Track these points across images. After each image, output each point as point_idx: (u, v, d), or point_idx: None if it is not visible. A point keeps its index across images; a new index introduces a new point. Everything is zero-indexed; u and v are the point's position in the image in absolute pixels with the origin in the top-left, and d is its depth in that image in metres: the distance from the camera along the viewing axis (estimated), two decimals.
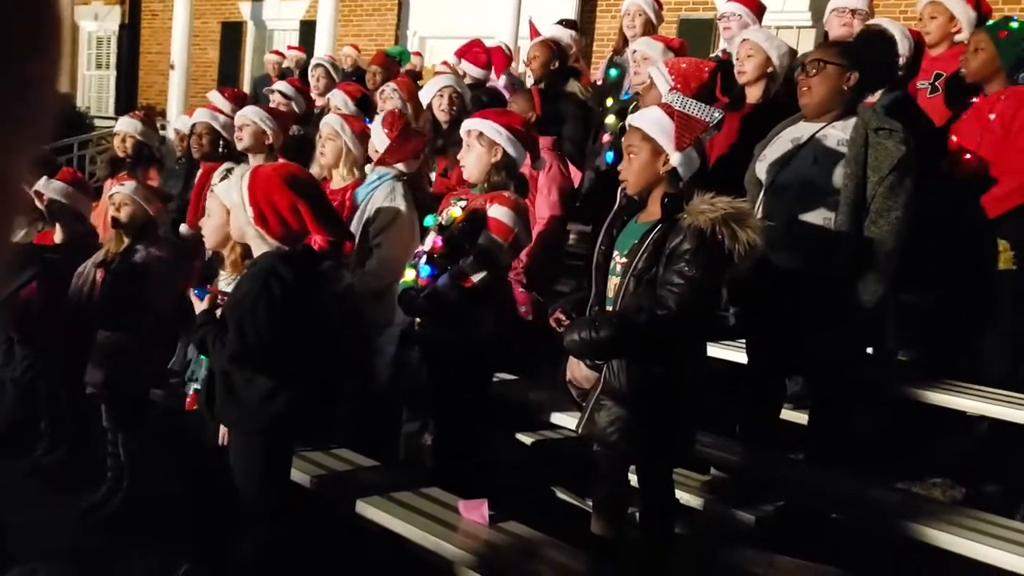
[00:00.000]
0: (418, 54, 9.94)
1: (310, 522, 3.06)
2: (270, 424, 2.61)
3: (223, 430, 2.78)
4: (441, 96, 4.43)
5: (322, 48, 10.28)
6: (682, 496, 2.98)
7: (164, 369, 3.70)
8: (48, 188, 3.93)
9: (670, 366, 2.47)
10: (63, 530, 3.51)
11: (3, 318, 3.64)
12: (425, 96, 4.53)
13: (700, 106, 2.63)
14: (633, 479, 2.69)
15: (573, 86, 4.82)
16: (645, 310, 2.39)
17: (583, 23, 9.91)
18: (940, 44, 3.95)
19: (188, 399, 2.91)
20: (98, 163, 10.63)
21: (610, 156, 4.26)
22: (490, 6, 10.06)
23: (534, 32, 5.11)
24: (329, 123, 3.85)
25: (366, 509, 2.96)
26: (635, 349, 2.46)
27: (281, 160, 3.88)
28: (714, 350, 3.28)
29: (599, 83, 5.24)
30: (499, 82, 5.40)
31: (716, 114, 2.64)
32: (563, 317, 2.68)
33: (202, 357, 2.73)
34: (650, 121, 2.56)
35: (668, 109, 2.58)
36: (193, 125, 4.47)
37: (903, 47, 3.71)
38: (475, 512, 2.85)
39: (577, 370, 2.68)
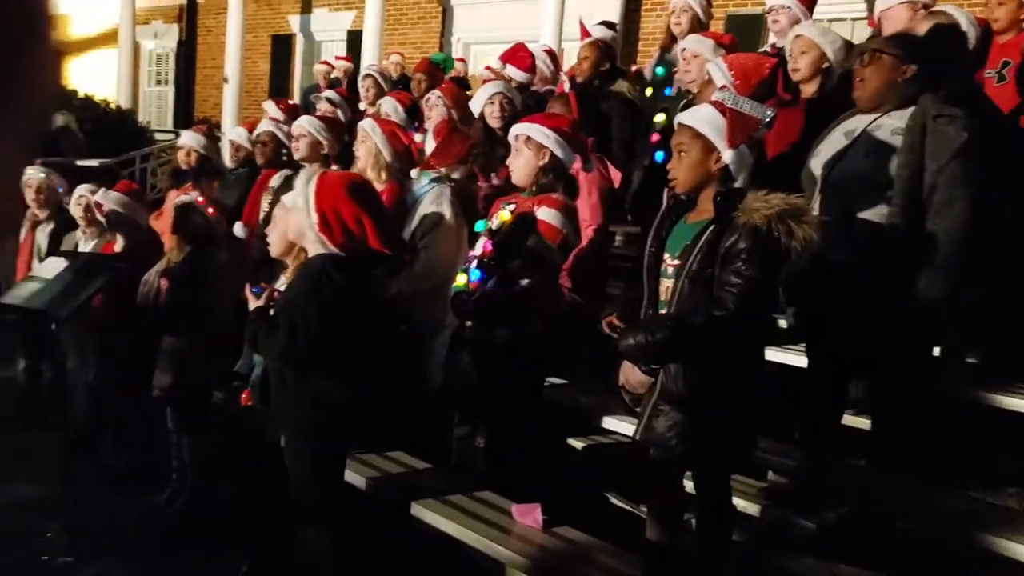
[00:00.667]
0: (462, 60, 10.02)
1: (365, 523, 3.09)
2: (322, 424, 2.66)
3: (277, 428, 2.82)
4: (492, 103, 4.44)
5: (369, 57, 10.44)
6: (740, 502, 2.93)
7: (227, 372, 3.79)
8: (107, 199, 4.07)
9: (728, 369, 2.43)
10: (132, 531, 3.63)
11: (76, 325, 3.77)
12: (476, 105, 4.55)
13: (752, 103, 2.59)
14: (689, 485, 2.66)
15: (621, 85, 4.79)
16: (701, 312, 2.36)
17: (627, 22, 9.86)
18: (1008, 31, 3.80)
19: (243, 395, 2.98)
20: (159, 175, 10.96)
21: (659, 155, 4.23)
22: (533, 10, 10.08)
23: (584, 33, 5.10)
24: (361, 126, 3.90)
25: (420, 511, 2.99)
26: (692, 352, 2.43)
27: (335, 168, 3.94)
28: (773, 354, 3.22)
29: (647, 80, 5.19)
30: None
31: (768, 112, 2.60)
32: (615, 321, 2.67)
33: (256, 360, 2.79)
34: (701, 119, 2.53)
35: (720, 107, 2.55)
36: (258, 134, 4.60)
37: (970, 36, 3.57)
38: (529, 516, 2.85)
39: (631, 375, 2.65)
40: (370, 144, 3.80)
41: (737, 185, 2.52)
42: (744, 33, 7.32)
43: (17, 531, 3.53)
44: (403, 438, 3.64)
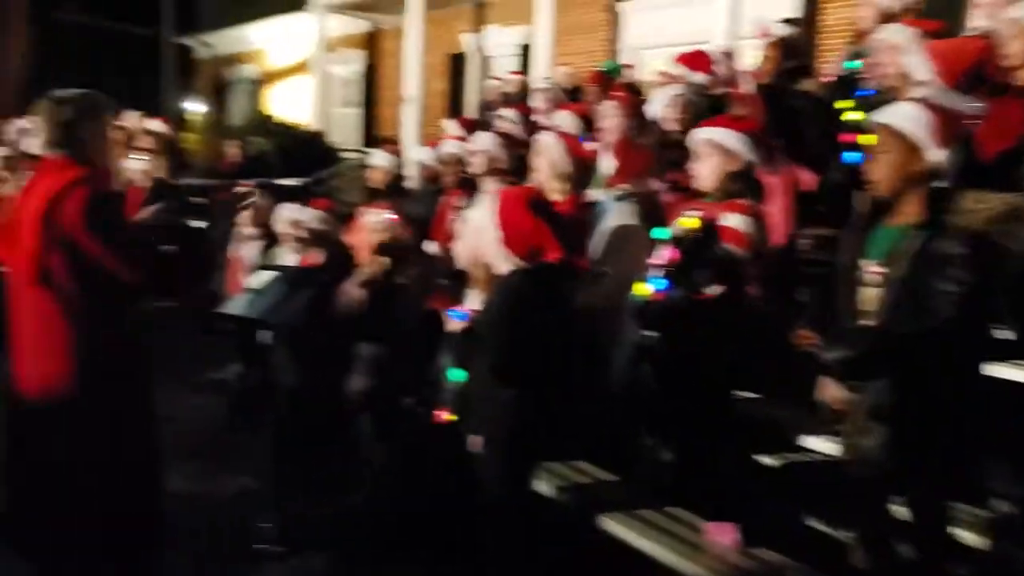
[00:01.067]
0: (629, 66, 9.95)
1: (553, 531, 3.12)
2: (515, 433, 2.71)
3: (472, 439, 2.92)
4: (672, 106, 4.34)
5: (540, 69, 10.61)
6: (961, 533, 2.67)
7: (416, 380, 3.97)
8: (308, 217, 4.39)
9: (944, 385, 2.25)
10: (333, 527, 3.87)
11: (284, 333, 4.09)
12: (655, 108, 4.48)
13: (959, 97, 2.40)
14: (900, 509, 2.46)
15: (809, 84, 4.56)
16: (913, 323, 2.19)
17: (808, 15, 9.40)
18: None
19: (440, 410, 3.09)
20: (347, 192, 11.72)
21: (851, 156, 3.99)
22: (703, 10, 9.82)
23: (766, 32, 4.91)
24: (539, 139, 3.94)
25: (608, 523, 2.97)
26: (903, 366, 2.26)
27: (510, 181, 4.03)
28: (996, 369, 2.93)
29: (836, 77, 4.92)
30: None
31: (978, 105, 2.39)
32: (809, 336, 2.54)
33: (451, 370, 2.90)
34: (903, 117, 2.37)
35: (925, 102, 2.37)
36: (441, 155, 4.80)
37: None
38: (724, 535, 2.76)
39: (832, 391, 2.49)
40: (548, 157, 3.84)
41: (944, 185, 2.33)
42: (940, 15, 6.74)
43: (232, 522, 3.89)
44: (586, 449, 3.65)
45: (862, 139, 3.89)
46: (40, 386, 2.69)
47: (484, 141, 4.39)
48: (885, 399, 2.28)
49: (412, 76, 12.55)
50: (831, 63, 5.50)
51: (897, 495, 2.43)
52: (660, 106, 4.43)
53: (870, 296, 2.38)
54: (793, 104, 4.38)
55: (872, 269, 2.38)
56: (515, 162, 4.38)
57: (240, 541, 3.63)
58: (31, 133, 9.75)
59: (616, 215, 3.63)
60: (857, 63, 4.58)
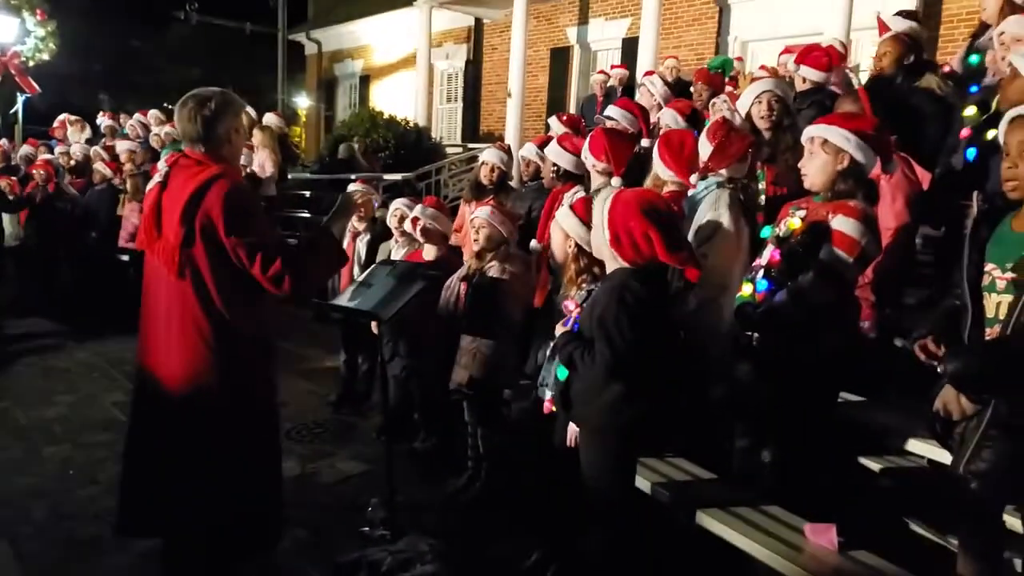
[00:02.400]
0: (739, 59, 9.74)
1: (651, 526, 3.17)
2: (622, 427, 2.76)
3: (571, 431, 3.00)
4: (760, 102, 4.25)
5: (644, 63, 10.52)
6: None
7: (517, 372, 4.08)
8: (423, 214, 4.55)
9: None
10: (435, 510, 4.04)
11: (393, 325, 4.25)
12: (743, 104, 4.39)
13: None
14: (1013, 522, 2.40)
15: (929, 80, 4.39)
16: None
17: (927, 5, 9.00)
18: None
19: (546, 403, 3.17)
20: (450, 186, 11.98)
21: (971, 153, 3.83)
22: (816, 3, 9.53)
23: (883, 28, 4.75)
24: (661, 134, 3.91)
25: (707, 520, 3.00)
26: None
27: (618, 180, 4.04)
28: None
29: (957, 72, 4.72)
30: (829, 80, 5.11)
31: None
32: (931, 347, 2.46)
33: (558, 367, 2.97)
34: None
35: None
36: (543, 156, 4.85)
37: None
38: (823, 536, 2.75)
39: (956, 403, 2.36)
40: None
41: None
42: None
43: (342, 504, 4.10)
44: (683, 446, 3.67)
45: (978, 136, 3.75)
46: (174, 370, 2.86)
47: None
48: (1013, 411, 2.20)
49: (516, 70, 12.65)
50: (952, 56, 5.27)
51: (1009, 504, 2.37)
52: (746, 103, 4.32)
53: (997, 302, 2.29)
54: (911, 101, 4.24)
55: (1000, 275, 2.29)
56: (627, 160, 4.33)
57: (348, 524, 3.80)
58: (153, 127, 10.43)
59: (708, 206, 3.54)
60: (978, 56, 4.40)
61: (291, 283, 2.80)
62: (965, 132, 3.94)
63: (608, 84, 9.81)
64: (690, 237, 3.58)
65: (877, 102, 3.96)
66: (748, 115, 4.35)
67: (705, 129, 3.84)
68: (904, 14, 4.99)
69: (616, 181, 3.92)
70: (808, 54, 4.96)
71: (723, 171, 3.63)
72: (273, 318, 3.07)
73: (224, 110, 2.90)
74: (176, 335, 2.86)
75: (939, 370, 2.31)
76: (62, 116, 11.71)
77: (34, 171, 9.18)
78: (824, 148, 3.05)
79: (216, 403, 2.85)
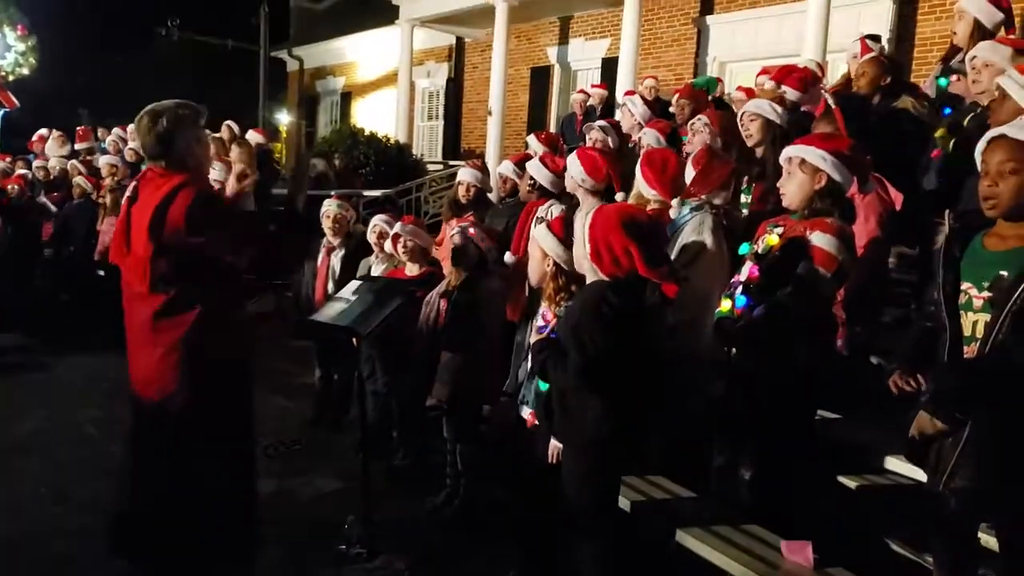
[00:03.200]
0: (719, 80, 9.85)
1: (630, 544, 3.16)
2: (601, 442, 2.75)
3: (553, 446, 2.99)
4: (748, 121, 4.34)
5: (623, 83, 10.63)
6: None
7: (496, 388, 4.07)
8: (403, 231, 4.55)
9: None
10: (413, 527, 4.00)
11: (371, 340, 4.23)
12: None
13: None
14: (988, 539, 2.41)
15: (904, 102, 4.47)
16: None
17: (901, 27, 9.17)
18: None
19: (528, 417, 3.17)
20: (431, 203, 11.99)
21: (941, 173, 3.90)
22: (793, 24, 9.69)
23: (865, 49, 4.83)
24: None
25: (685, 538, 3.00)
26: (1016, 397, 2.17)
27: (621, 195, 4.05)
28: None
29: (929, 95, 4.80)
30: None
31: None
32: (899, 382, 2.49)
33: (539, 381, 2.97)
34: None
35: None
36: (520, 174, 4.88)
37: None
38: (799, 554, 2.75)
39: (930, 426, 2.32)
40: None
41: None
42: None
43: (318, 522, 4.04)
44: (661, 465, 3.66)
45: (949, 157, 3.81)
46: (152, 387, 2.85)
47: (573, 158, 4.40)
48: (991, 430, 2.21)
49: (496, 89, 12.72)
50: (925, 79, 5.36)
51: (986, 524, 2.38)
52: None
53: (974, 321, 2.28)
54: (886, 122, 4.30)
55: (976, 294, 2.29)
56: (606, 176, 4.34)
57: (325, 542, 3.76)
58: (130, 142, 10.37)
59: (692, 229, 3.61)
60: (944, 81, 4.48)
61: (264, 263, 2.79)
62: (935, 152, 4.02)
63: (588, 103, 9.88)
64: (672, 258, 3.61)
65: (852, 123, 4.02)
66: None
67: (691, 158, 3.89)
68: (871, 38, 5.09)
69: (620, 196, 3.94)
70: (787, 74, 5.05)
71: (704, 196, 3.68)
72: (246, 331, 3.06)
73: (179, 123, 2.90)
74: (150, 350, 2.85)
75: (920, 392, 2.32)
76: (42, 131, 11.62)
77: (8, 186, 9.09)
78: (802, 168, 3.09)
79: (188, 418, 2.84)
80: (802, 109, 5.04)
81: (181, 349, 2.82)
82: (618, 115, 6.60)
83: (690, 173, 3.75)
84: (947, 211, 3.87)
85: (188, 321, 2.82)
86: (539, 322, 3.14)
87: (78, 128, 11.87)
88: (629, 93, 7.01)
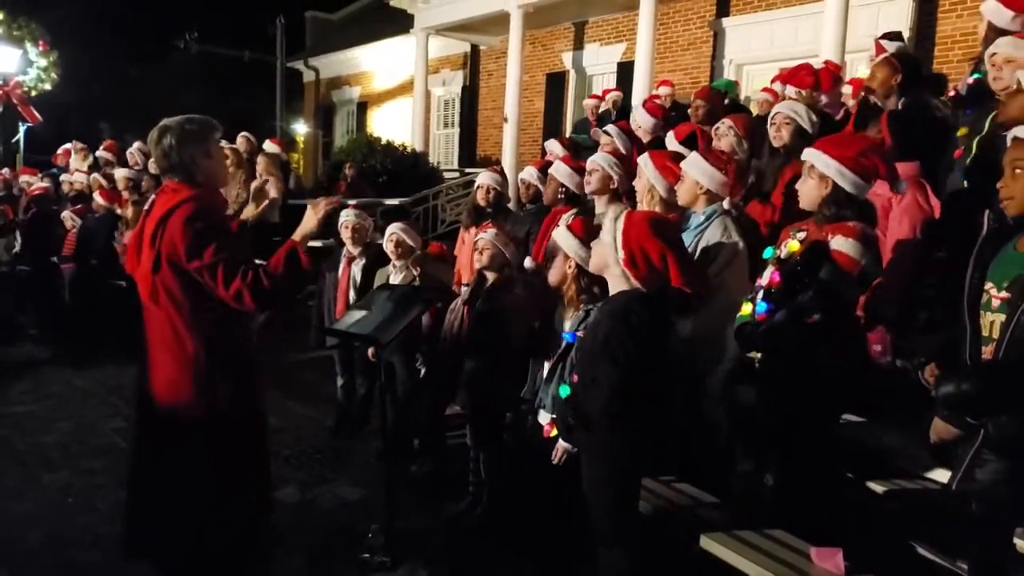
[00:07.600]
0: (736, 82, 9.80)
1: (654, 550, 3.13)
2: (623, 451, 2.74)
3: (560, 447, 2.95)
4: (774, 123, 4.35)
5: (639, 87, 10.59)
6: None
7: (517, 395, 4.06)
8: (414, 237, 4.56)
9: None
10: (436, 535, 4.00)
11: (391, 348, 4.23)
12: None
13: None
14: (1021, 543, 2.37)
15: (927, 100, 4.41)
16: None
17: (922, 25, 9.08)
18: None
19: (546, 426, 3.15)
20: (447, 210, 12.00)
21: (965, 173, 3.85)
22: (810, 24, 9.63)
23: (879, 50, 4.78)
24: (638, 161, 3.94)
25: (710, 544, 2.97)
26: None
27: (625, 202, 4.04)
28: None
29: (962, 95, 4.74)
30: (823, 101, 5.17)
31: None
32: (929, 374, 2.45)
33: (562, 387, 2.95)
34: None
35: None
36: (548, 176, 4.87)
37: None
38: (830, 561, 2.72)
39: (944, 430, 2.35)
40: (644, 180, 3.86)
41: None
42: None
43: (341, 530, 4.05)
44: (683, 470, 3.64)
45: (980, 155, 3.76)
46: (162, 394, 2.91)
47: (599, 160, 4.37)
48: (1005, 430, 2.19)
49: (512, 96, 12.73)
50: (952, 75, 5.31)
51: (1016, 527, 2.34)
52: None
53: (992, 321, 2.28)
54: (912, 124, 4.25)
55: (996, 295, 2.28)
56: (628, 182, 4.27)
57: (348, 551, 3.76)
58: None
59: (719, 232, 3.55)
60: (979, 74, 4.41)
61: (252, 299, 2.80)
62: (958, 152, 3.96)
63: (601, 108, 9.86)
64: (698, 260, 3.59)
65: (897, 126, 3.98)
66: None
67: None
68: (889, 37, 5.03)
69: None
70: (795, 74, 5.03)
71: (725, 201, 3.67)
72: (248, 341, 3.09)
73: (184, 138, 2.93)
74: (159, 359, 2.92)
75: (933, 394, 2.30)
76: (67, 145, 11.78)
77: (30, 198, 9.24)
78: (811, 173, 3.08)
79: (195, 425, 2.88)
80: (823, 108, 5.01)
81: (180, 357, 2.86)
82: (632, 120, 6.58)
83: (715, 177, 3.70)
84: (986, 211, 3.84)
85: (187, 330, 2.86)
86: (568, 332, 3.13)
87: (105, 141, 12.04)
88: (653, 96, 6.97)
